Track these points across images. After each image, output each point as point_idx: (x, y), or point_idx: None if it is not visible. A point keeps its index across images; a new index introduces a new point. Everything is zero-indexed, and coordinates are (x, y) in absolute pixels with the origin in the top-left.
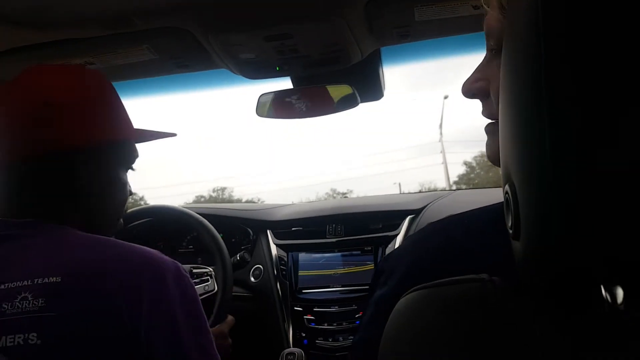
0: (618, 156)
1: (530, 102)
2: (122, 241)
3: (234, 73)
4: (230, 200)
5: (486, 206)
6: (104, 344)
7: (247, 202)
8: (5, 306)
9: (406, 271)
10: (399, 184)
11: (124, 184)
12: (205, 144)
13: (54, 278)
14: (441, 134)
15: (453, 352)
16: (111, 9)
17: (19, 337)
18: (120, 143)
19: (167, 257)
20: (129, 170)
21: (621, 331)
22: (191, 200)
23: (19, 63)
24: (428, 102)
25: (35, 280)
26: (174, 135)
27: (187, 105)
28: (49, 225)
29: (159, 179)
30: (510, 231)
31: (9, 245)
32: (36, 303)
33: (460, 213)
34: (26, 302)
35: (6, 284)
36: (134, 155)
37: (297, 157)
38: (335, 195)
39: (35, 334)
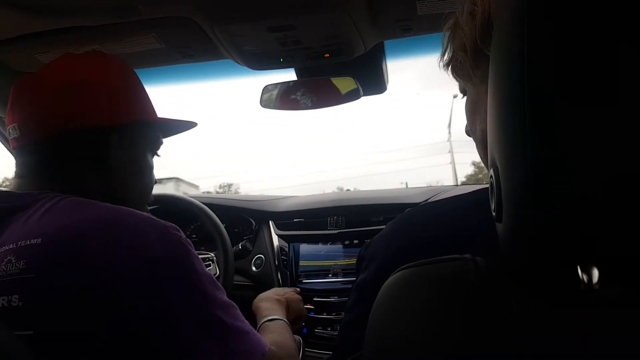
0: (592, 144)
1: (513, 91)
2: (118, 206)
3: (239, 64)
4: None
5: (462, 194)
6: (83, 307)
7: None
8: None
9: (384, 259)
10: (406, 184)
11: (150, 167)
12: (210, 138)
13: (35, 240)
14: (450, 133)
15: (435, 327)
16: None
17: (3, 299)
18: (146, 126)
19: (157, 219)
20: (155, 157)
21: (595, 308)
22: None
23: (26, 50)
24: (437, 101)
25: (19, 242)
26: (194, 125)
27: (192, 96)
28: (56, 195)
29: (164, 174)
30: (494, 214)
31: (17, 214)
32: (18, 265)
33: (437, 200)
34: (10, 265)
35: None
36: (159, 140)
37: (303, 154)
38: None
39: (17, 296)
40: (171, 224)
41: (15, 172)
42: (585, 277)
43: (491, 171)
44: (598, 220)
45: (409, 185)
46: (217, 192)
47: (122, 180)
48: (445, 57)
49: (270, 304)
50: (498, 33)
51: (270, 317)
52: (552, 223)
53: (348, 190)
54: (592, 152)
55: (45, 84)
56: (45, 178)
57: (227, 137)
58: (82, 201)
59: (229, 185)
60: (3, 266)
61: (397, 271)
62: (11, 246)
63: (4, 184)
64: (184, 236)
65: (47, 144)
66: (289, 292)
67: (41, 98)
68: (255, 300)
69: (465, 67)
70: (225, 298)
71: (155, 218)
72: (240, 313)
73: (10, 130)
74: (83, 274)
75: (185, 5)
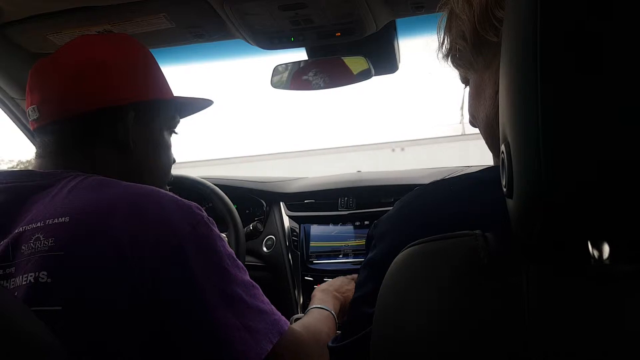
0: (606, 120)
1: (526, 68)
2: (142, 185)
3: (250, 43)
4: None
5: (470, 172)
6: (110, 283)
7: None
8: (24, 247)
9: (392, 237)
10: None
11: (168, 145)
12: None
13: (63, 218)
14: (462, 115)
15: (444, 302)
16: None
17: (31, 276)
18: (162, 104)
19: (180, 198)
20: (173, 135)
21: (605, 283)
22: None
23: (38, 31)
24: (451, 82)
25: (47, 221)
26: (211, 103)
27: (199, 76)
28: (80, 174)
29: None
30: (505, 189)
31: (41, 193)
32: (47, 243)
33: (446, 179)
34: (39, 243)
35: (24, 227)
36: (176, 119)
37: (314, 136)
38: None
39: (45, 273)
40: (195, 203)
41: (36, 152)
42: (595, 253)
43: (502, 147)
44: (609, 196)
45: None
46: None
47: (140, 159)
48: (444, 47)
49: (326, 296)
50: (511, 14)
51: (318, 306)
52: (563, 198)
53: (359, 171)
54: (605, 128)
55: (63, 66)
56: (66, 157)
57: (236, 118)
58: (106, 180)
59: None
60: (32, 244)
61: (407, 247)
62: (39, 224)
63: (18, 166)
64: (205, 215)
65: (66, 124)
66: (351, 292)
67: (59, 79)
68: (317, 288)
69: (466, 55)
70: (247, 277)
71: (178, 197)
72: (261, 293)
73: (30, 112)
74: (110, 251)
75: None
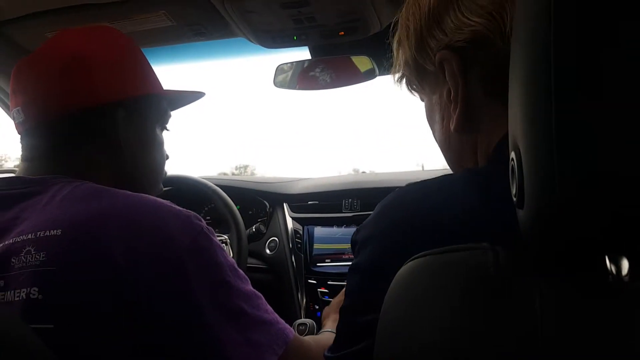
0: (623, 122)
1: (539, 69)
2: (138, 194)
3: (252, 42)
4: None
5: (450, 174)
6: (104, 300)
7: None
8: (14, 260)
9: (375, 240)
10: (422, 166)
11: (161, 142)
12: (224, 118)
13: (55, 231)
14: None
15: (451, 315)
16: None
17: (23, 292)
18: (152, 99)
19: (178, 208)
20: (165, 131)
21: (624, 301)
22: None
23: (37, 29)
24: None
25: (38, 233)
26: (202, 95)
27: (202, 76)
28: (71, 180)
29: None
30: (515, 199)
31: (31, 200)
32: (38, 257)
33: (430, 178)
34: (30, 256)
35: (14, 239)
36: (167, 114)
37: (318, 135)
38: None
39: (36, 289)
40: (193, 213)
41: (22, 155)
42: (613, 268)
43: (512, 154)
44: (630, 204)
45: (425, 168)
46: (233, 173)
47: (132, 158)
48: (396, 72)
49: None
50: (522, 13)
51: (329, 330)
52: (579, 208)
53: (363, 172)
54: (623, 130)
55: (45, 64)
56: (55, 161)
57: (237, 117)
58: (100, 189)
59: (245, 167)
60: (22, 257)
61: (411, 260)
62: (30, 236)
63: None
64: (205, 225)
65: (53, 125)
66: None
67: (42, 79)
68: (327, 309)
69: (413, 81)
70: (248, 287)
71: (176, 207)
72: (263, 302)
73: (15, 114)
74: (105, 266)
75: None
